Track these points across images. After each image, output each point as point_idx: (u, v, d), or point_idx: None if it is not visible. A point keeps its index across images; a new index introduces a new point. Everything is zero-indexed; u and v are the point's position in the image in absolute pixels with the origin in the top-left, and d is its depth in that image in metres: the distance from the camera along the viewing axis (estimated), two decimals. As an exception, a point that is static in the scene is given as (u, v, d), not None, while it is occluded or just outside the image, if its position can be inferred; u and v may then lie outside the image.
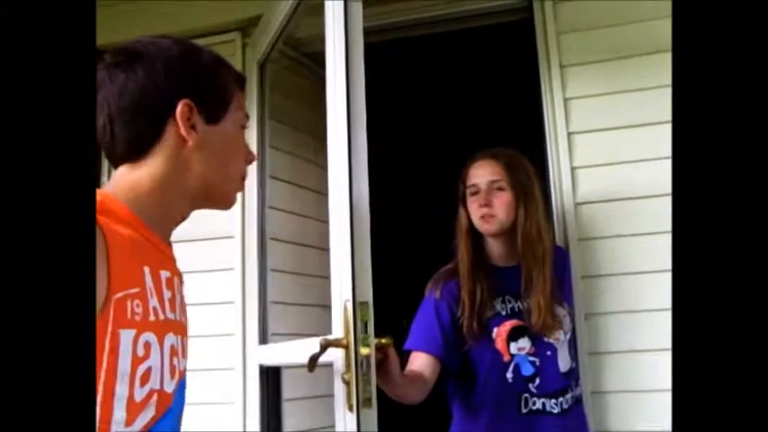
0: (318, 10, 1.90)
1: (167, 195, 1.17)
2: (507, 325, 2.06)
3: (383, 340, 1.64)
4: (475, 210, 2.12)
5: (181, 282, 1.24)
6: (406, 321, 2.15)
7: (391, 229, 5.30)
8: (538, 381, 2.03)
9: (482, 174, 2.13)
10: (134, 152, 1.17)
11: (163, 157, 1.16)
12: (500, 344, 2.04)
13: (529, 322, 2.04)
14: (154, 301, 1.10)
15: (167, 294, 1.15)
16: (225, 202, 1.27)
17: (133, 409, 1.04)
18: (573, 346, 2.14)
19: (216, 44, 2.77)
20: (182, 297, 1.23)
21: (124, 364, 1.02)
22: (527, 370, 2.03)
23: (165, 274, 1.15)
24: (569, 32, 2.56)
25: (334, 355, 1.61)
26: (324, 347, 1.58)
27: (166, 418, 1.11)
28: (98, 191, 1.13)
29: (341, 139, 1.69)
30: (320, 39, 1.90)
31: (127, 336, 1.03)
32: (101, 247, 1.03)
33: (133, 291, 1.06)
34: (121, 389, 1.02)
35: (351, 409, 1.54)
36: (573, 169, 2.46)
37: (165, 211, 1.18)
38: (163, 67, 1.17)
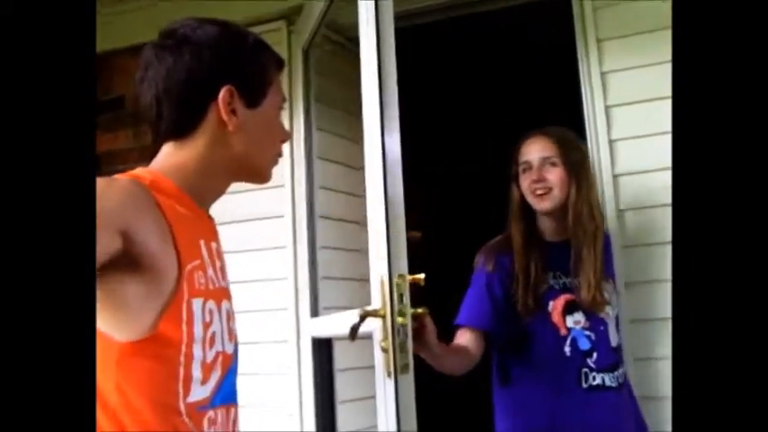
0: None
1: (210, 173, 1.27)
2: (562, 299, 2.08)
3: (419, 310, 1.71)
4: (527, 186, 2.13)
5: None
6: (455, 294, 2.19)
7: (440, 207, 5.38)
8: (595, 356, 2.04)
9: (534, 150, 2.13)
10: (178, 131, 1.26)
11: (205, 138, 1.25)
12: (556, 317, 2.07)
13: (578, 298, 2.06)
14: (210, 271, 1.22)
15: (218, 264, 1.26)
16: (261, 178, 1.36)
17: (206, 369, 1.17)
18: (618, 321, 2.17)
19: (262, 33, 2.87)
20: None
21: (198, 329, 1.15)
22: (584, 344, 2.05)
23: (214, 245, 1.27)
24: (605, 7, 2.57)
25: (373, 326, 1.68)
26: (362, 318, 1.67)
27: (229, 376, 1.24)
28: (147, 170, 1.25)
29: (374, 120, 1.75)
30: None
31: (197, 304, 1.16)
32: (162, 225, 1.14)
33: (196, 263, 1.18)
34: (198, 352, 1.15)
35: (389, 375, 1.61)
36: (611, 142, 2.49)
37: (208, 186, 1.29)
38: (208, 52, 1.25)
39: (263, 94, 1.31)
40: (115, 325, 1.12)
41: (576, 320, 2.06)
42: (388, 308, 1.62)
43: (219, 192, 1.33)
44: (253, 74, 1.30)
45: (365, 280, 2.79)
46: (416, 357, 1.73)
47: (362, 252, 2.85)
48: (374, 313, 1.65)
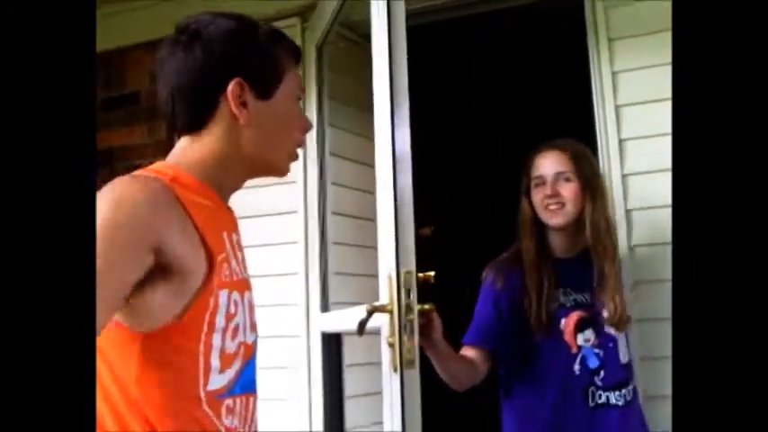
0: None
1: (227, 166, 1.29)
2: (574, 316, 2.06)
3: (426, 306, 1.74)
4: (540, 201, 2.10)
5: None
6: (468, 291, 2.22)
7: (455, 203, 5.40)
8: (602, 373, 2.03)
9: (548, 164, 2.10)
10: (192, 126, 1.28)
11: (219, 132, 1.27)
12: (568, 336, 2.05)
13: (604, 316, 2.04)
14: (234, 263, 1.25)
15: (240, 255, 1.29)
16: (279, 171, 1.37)
17: (226, 358, 1.19)
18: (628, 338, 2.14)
19: (277, 29, 2.94)
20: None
21: (220, 320, 1.18)
22: (593, 362, 2.03)
23: (235, 236, 1.30)
24: (617, 6, 2.60)
25: (381, 321, 1.71)
26: (370, 313, 1.70)
27: (249, 365, 1.28)
28: (167, 165, 1.27)
29: (385, 117, 1.78)
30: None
31: (223, 295, 1.19)
32: (186, 224, 1.17)
33: (223, 255, 1.21)
34: (217, 341, 1.18)
35: (395, 369, 1.64)
36: (621, 141, 2.52)
37: (226, 180, 1.30)
38: (218, 47, 1.26)
39: (276, 86, 1.31)
40: (137, 320, 1.14)
41: (586, 338, 2.05)
42: (396, 303, 1.65)
43: (236, 185, 1.35)
44: (264, 66, 1.30)
45: (375, 276, 2.83)
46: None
47: (373, 248, 2.88)
48: (382, 309, 1.68)
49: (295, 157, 1.38)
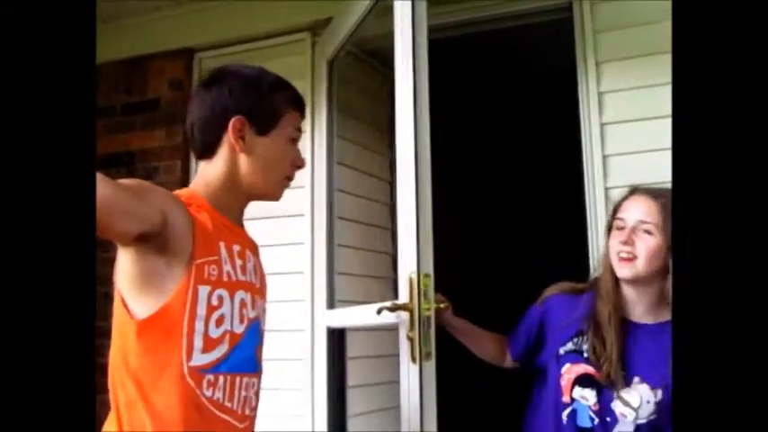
0: (385, 12, 2.16)
1: (229, 187, 1.58)
2: (579, 369, 1.97)
3: (442, 306, 1.94)
4: (614, 246, 1.96)
5: (255, 253, 1.67)
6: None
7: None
8: None
9: (633, 210, 1.95)
10: (205, 152, 1.59)
11: (223, 158, 1.57)
12: (565, 382, 1.98)
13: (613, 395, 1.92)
14: (227, 267, 1.52)
15: (239, 262, 1.56)
16: (272, 196, 1.67)
17: (209, 341, 1.45)
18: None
19: (288, 43, 3.13)
20: (254, 264, 1.64)
21: (201, 309, 1.45)
22: (583, 421, 1.93)
23: (236, 247, 1.57)
24: (605, 31, 2.77)
25: (400, 318, 1.89)
26: (392, 309, 1.89)
27: (237, 348, 1.52)
28: (186, 189, 1.59)
29: (407, 131, 1.94)
30: (383, 37, 2.14)
31: (203, 290, 1.45)
32: (189, 226, 1.45)
33: (211, 258, 1.48)
34: (199, 326, 1.44)
35: (414, 361, 1.83)
36: (604, 157, 2.70)
37: (230, 200, 1.60)
38: (227, 91, 1.57)
39: (272, 126, 1.59)
40: (138, 301, 1.42)
41: (583, 395, 1.94)
42: (416, 302, 1.84)
43: (241, 205, 1.64)
44: (263, 108, 1.58)
45: (377, 277, 3.03)
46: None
47: (375, 252, 3.08)
48: (403, 307, 1.87)
49: (286, 186, 1.66)
